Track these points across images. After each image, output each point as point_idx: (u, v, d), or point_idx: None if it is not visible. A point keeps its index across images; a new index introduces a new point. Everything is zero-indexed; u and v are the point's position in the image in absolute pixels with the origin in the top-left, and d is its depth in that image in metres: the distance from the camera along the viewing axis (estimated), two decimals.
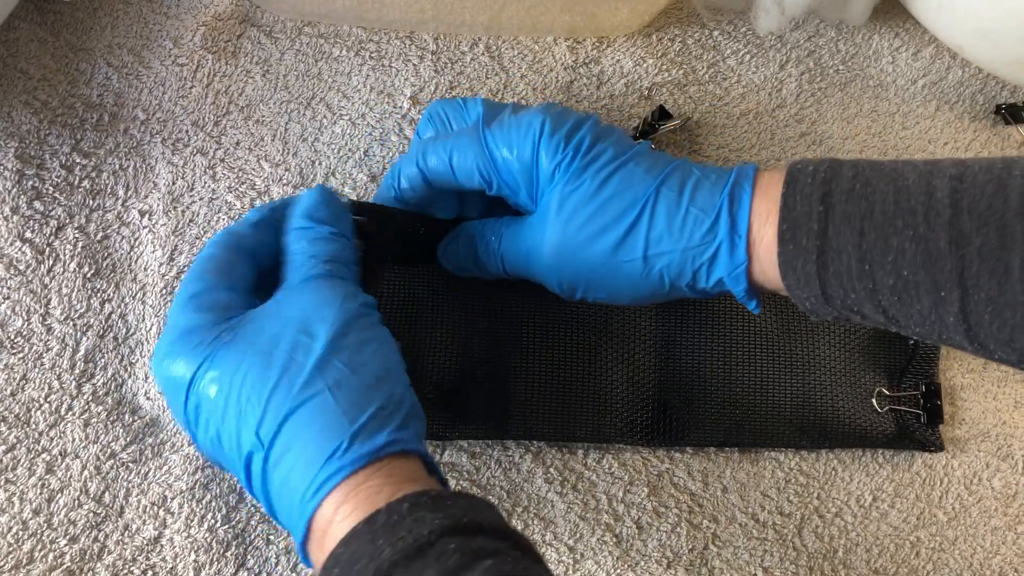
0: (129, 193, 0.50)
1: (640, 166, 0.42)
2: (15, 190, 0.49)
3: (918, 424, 0.53)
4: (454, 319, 0.50)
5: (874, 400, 0.53)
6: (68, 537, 0.47)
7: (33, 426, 0.48)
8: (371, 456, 0.36)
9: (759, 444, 0.52)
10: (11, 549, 0.46)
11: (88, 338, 0.49)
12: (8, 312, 0.48)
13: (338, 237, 0.42)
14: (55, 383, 0.48)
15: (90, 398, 0.48)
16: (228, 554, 0.47)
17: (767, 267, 0.40)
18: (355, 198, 0.52)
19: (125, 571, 0.47)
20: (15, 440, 0.47)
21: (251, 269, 0.41)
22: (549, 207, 0.42)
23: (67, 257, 0.49)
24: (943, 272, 0.34)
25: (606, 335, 0.51)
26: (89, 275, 0.49)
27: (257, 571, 0.47)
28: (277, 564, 0.48)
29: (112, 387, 0.48)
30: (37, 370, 0.48)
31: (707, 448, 0.52)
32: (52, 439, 0.48)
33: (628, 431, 0.51)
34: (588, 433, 0.50)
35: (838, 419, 0.52)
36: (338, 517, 0.35)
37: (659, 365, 0.51)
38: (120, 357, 0.49)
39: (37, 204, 0.49)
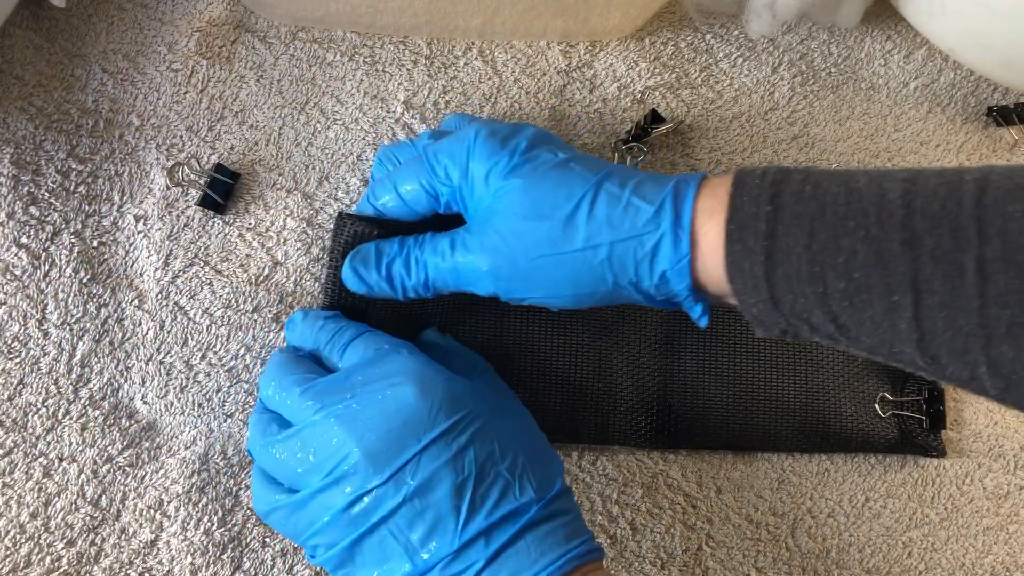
0: (124, 198, 0.51)
1: (579, 164, 0.41)
2: (11, 196, 0.49)
3: (920, 429, 0.53)
4: (460, 325, 0.51)
5: (877, 405, 0.53)
6: (65, 541, 0.47)
7: (30, 430, 0.48)
8: None
9: (762, 448, 0.52)
10: (8, 553, 0.46)
11: (84, 343, 0.49)
12: (5, 317, 0.48)
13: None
14: (52, 387, 0.48)
15: (87, 402, 0.48)
16: (224, 557, 0.48)
17: (711, 267, 0.38)
18: (348, 204, 0.52)
19: (122, 574, 0.47)
20: (12, 444, 0.47)
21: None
22: (484, 207, 0.42)
23: (63, 262, 0.49)
24: (895, 275, 0.33)
25: (610, 339, 0.52)
26: (85, 280, 0.49)
27: (253, 573, 0.48)
28: (273, 567, 0.48)
29: (109, 391, 0.49)
30: (34, 375, 0.48)
31: (700, 449, 0.52)
32: (49, 443, 0.48)
33: (633, 434, 0.51)
34: (593, 435, 0.51)
35: (841, 424, 0.52)
36: None
37: (663, 368, 0.52)
38: (116, 361, 0.49)
39: (33, 209, 0.50)
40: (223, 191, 0.51)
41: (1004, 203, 0.32)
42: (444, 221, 0.46)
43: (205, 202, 0.50)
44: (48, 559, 0.46)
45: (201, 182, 0.51)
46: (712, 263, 0.38)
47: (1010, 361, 0.32)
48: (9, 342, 0.48)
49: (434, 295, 0.45)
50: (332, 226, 0.45)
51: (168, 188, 0.51)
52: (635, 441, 0.51)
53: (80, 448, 0.48)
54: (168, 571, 0.47)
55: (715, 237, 0.37)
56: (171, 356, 0.49)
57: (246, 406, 0.49)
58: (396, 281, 0.44)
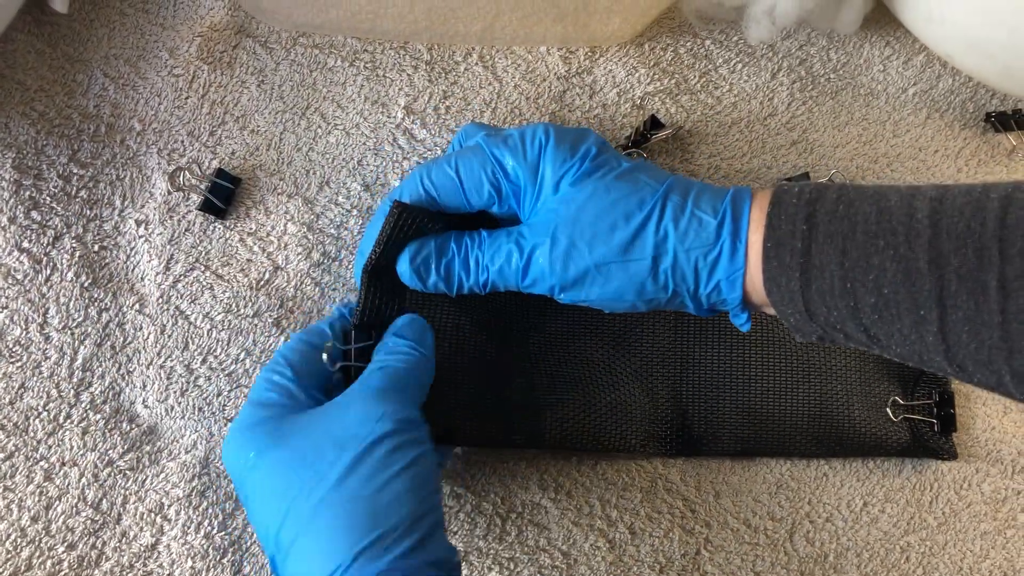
0: (126, 203, 0.51)
1: (644, 174, 0.43)
2: (12, 200, 0.50)
3: (932, 433, 0.53)
4: (480, 337, 0.51)
5: (888, 409, 0.53)
6: (66, 544, 0.47)
7: (31, 434, 0.48)
8: None
9: (776, 454, 0.53)
10: (10, 556, 0.46)
11: (86, 347, 0.49)
12: (6, 321, 0.49)
13: (413, 353, 0.44)
14: (53, 391, 0.48)
15: (88, 406, 0.49)
16: (224, 560, 0.48)
17: (755, 277, 0.40)
18: (349, 209, 0.52)
19: None
20: (13, 448, 0.48)
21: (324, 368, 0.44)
22: (548, 209, 0.43)
23: (64, 267, 0.49)
24: (923, 291, 0.35)
25: (624, 349, 0.52)
26: (86, 284, 0.49)
27: None
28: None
29: (110, 395, 0.49)
30: (35, 379, 0.49)
31: (716, 456, 0.53)
32: (50, 447, 0.48)
33: (650, 443, 0.51)
34: (611, 444, 0.51)
35: (853, 428, 0.52)
36: None
37: (678, 377, 0.52)
38: (118, 366, 0.49)
39: (35, 214, 0.50)
40: (224, 196, 0.51)
41: None
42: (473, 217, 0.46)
43: (206, 207, 0.51)
44: (49, 562, 0.47)
45: (202, 187, 0.51)
46: (756, 275, 0.40)
47: None
48: (11, 346, 0.49)
49: (486, 292, 0.46)
50: (384, 212, 0.44)
51: (169, 193, 0.51)
52: (654, 450, 0.51)
53: (81, 452, 0.48)
54: (168, 574, 0.47)
55: (757, 252, 0.40)
56: (172, 360, 0.50)
57: None
58: (454, 281, 0.45)
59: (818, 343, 0.41)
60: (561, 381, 0.51)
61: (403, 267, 0.45)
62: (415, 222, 0.44)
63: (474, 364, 0.50)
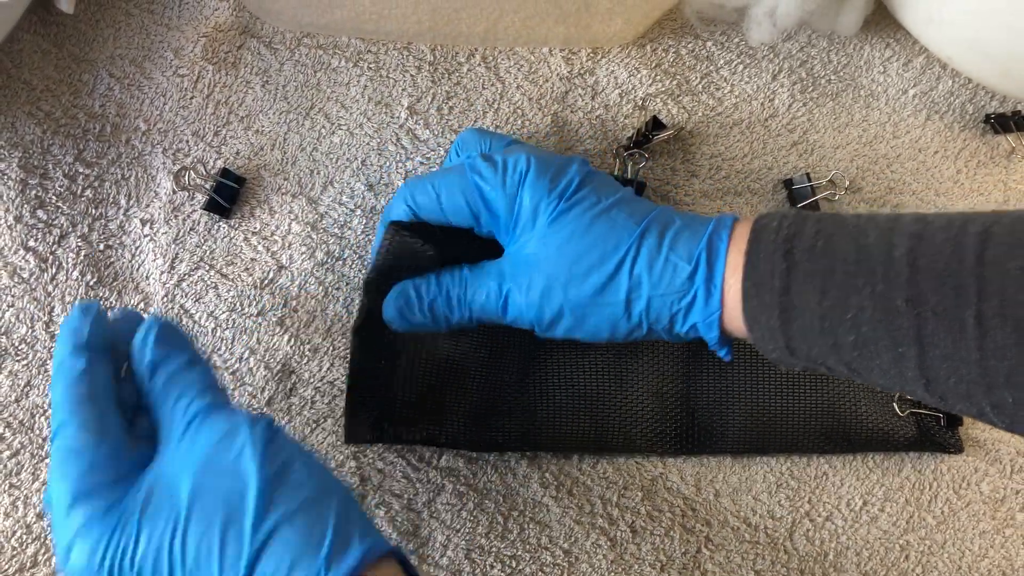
0: (131, 202, 0.51)
1: (623, 212, 0.43)
2: (19, 199, 0.50)
3: (938, 427, 0.54)
4: (485, 342, 0.51)
5: (895, 405, 0.53)
6: None
7: (37, 431, 0.48)
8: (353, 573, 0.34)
9: (784, 450, 0.53)
10: (15, 552, 0.47)
11: None
12: (12, 319, 0.49)
13: (197, 361, 0.39)
14: None
15: None
16: None
17: (735, 317, 0.41)
18: (353, 208, 0.53)
19: None
20: (19, 445, 0.48)
21: (113, 411, 0.37)
22: (530, 248, 0.43)
23: (70, 265, 0.50)
24: (901, 329, 0.35)
25: (632, 348, 0.52)
26: (92, 283, 0.50)
27: None
28: None
29: None
30: (41, 376, 0.49)
31: (725, 455, 0.53)
32: None
33: (658, 441, 0.52)
34: (619, 444, 0.51)
35: (861, 424, 0.53)
36: None
37: (685, 375, 0.53)
38: None
39: (40, 213, 0.50)
40: (229, 195, 0.51)
41: (1004, 260, 0.33)
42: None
43: (211, 206, 0.51)
44: (54, 560, 0.47)
45: (207, 186, 0.51)
46: (735, 314, 0.40)
47: (1011, 405, 0.34)
48: (16, 344, 0.49)
49: (475, 327, 0.47)
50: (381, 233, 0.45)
51: (174, 192, 0.51)
52: (661, 449, 0.52)
53: None
54: None
55: (737, 291, 0.40)
56: None
57: (250, 409, 0.50)
58: (440, 319, 0.45)
59: (801, 371, 0.41)
60: (568, 384, 0.52)
61: (389, 312, 0.45)
62: (407, 247, 0.45)
63: (475, 371, 0.51)
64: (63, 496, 0.34)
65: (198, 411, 0.36)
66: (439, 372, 0.51)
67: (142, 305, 0.50)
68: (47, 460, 0.48)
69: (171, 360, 0.38)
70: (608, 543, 0.51)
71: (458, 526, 0.50)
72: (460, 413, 0.50)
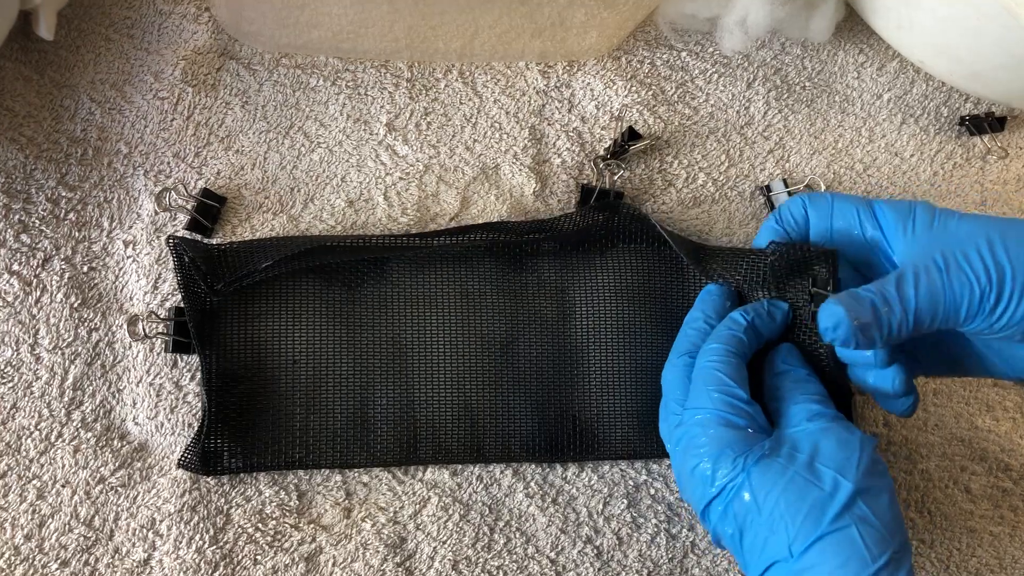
0: (114, 224, 0.52)
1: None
2: (2, 224, 0.50)
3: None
4: (356, 347, 0.51)
5: None
6: (59, 561, 0.48)
7: (24, 453, 0.49)
8: None
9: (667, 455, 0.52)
10: (3, 574, 0.47)
11: (76, 366, 0.50)
12: None
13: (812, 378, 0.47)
14: (45, 411, 0.49)
15: (79, 425, 0.49)
16: (216, 574, 0.48)
17: None
18: (333, 225, 0.53)
19: None
20: (6, 467, 0.48)
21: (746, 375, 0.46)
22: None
23: (54, 288, 0.50)
24: None
25: (509, 358, 0.52)
26: (76, 305, 0.50)
27: None
28: None
29: (101, 413, 0.50)
30: (27, 398, 0.49)
31: (608, 460, 0.53)
32: (43, 465, 0.49)
33: (537, 449, 0.52)
34: (497, 454, 0.51)
35: None
36: None
37: (568, 383, 0.52)
38: (108, 384, 0.50)
39: (24, 237, 0.51)
40: (210, 215, 0.52)
41: None
42: None
43: (193, 226, 0.52)
44: None
45: (188, 207, 0.52)
46: None
47: None
48: (2, 367, 0.49)
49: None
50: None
51: (156, 213, 0.52)
52: (538, 456, 0.52)
53: (73, 470, 0.49)
54: None
55: None
56: (161, 378, 0.50)
57: None
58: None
59: None
60: (446, 395, 0.52)
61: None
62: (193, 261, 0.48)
63: (334, 388, 0.51)
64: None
65: (818, 413, 0.44)
66: (291, 395, 0.50)
67: (127, 324, 0.51)
68: (34, 481, 0.48)
69: (795, 371, 0.47)
70: (594, 551, 0.51)
71: (444, 538, 0.50)
72: (326, 432, 0.50)
